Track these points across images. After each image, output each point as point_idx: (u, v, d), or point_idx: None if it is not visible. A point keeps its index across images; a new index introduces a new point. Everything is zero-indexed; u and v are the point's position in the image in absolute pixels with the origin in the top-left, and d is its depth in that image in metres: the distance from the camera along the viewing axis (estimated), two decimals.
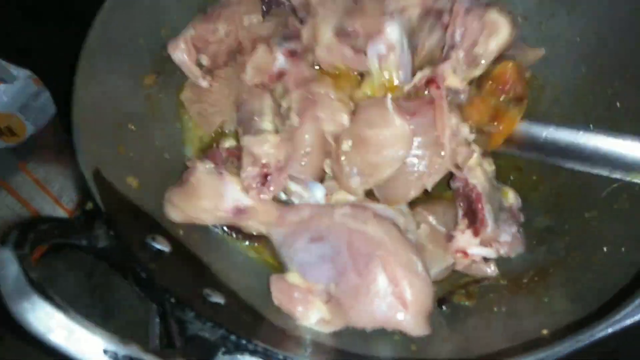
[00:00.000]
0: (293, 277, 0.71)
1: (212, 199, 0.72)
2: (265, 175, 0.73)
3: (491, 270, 0.77)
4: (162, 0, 0.87)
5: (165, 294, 0.57)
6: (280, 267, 0.78)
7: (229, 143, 0.78)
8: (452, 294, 0.74)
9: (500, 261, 0.79)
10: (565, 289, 0.68)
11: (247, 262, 0.78)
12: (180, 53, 0.82)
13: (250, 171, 0.72)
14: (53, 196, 1.36)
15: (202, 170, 0.72)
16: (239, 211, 0.73)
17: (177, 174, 0.84)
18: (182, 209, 0.72)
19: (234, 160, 0.76)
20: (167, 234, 0.70)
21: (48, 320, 0.43)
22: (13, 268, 0.45)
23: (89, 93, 0.72)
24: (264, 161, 0.72)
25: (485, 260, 0.77)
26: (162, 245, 0.65)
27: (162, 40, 0.88)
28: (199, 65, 0.86)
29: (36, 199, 1.33)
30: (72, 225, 0.60)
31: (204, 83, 0.85)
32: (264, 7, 0.86)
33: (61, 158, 1.34)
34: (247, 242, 0.80)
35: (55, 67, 1.26)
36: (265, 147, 0.73)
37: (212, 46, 0.84)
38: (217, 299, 0.63)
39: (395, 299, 0.65)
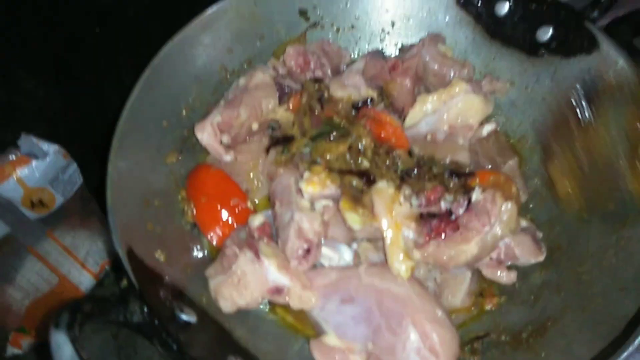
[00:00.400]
0: (331, 339, 0.77)
1: (258, 286, 0.79)
2: (308, 249, 0.80)
3: (511, 277, 0.85)
4: (183, 85, 0.97)
5: None
6: (302, 328, 0.84)
7: (258, 221, 0.85)
8: None
9: (501, 316, 0.85)
10: (561, 342, 0.73)
11: (266, 326, 0.84)
12: (207, 135, 0.91)
13: (296, 244, 0.79)
14: (80, 261, 1.44)
15: (245, 260, 0.78)
16: (278, 290, 0.80)
17: (197, 242, 0.91)
18: (233, 300, 0.78)
19: (265, 238, 0.83)
20: (192, 303, 0.77)
21: None
22: (67, 349, 0.51)
23: (121, 175, 0.81)
24: (310, 236, 0.80)
25: (508, 268, 0.85)
26: (189, 317, 0.72)
27: (183, 120, 0.98)
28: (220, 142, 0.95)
29: (64, 265, 1.41)
30: (111, 303, 0.66)
31: (228, 158, 0.93)
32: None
33: (86, 224, 1.43)
34: (268, 307, 0.87)
35: (81, 139, 1.38)
36: (315, 224, 0.80)
37: (234, 128, 0.93)
38: None
39: (429, 352, 0.73)
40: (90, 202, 1.40)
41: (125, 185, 0.81)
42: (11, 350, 1.44)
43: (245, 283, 0.78)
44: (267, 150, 0.96)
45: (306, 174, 0.84)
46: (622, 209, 0.82)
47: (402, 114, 1.01)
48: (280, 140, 0.96)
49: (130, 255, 0.72)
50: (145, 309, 0.66)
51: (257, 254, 0.79)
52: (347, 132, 0.88)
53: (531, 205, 0.97)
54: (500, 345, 0.79)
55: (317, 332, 0.81)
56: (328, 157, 0.86)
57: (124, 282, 0.70)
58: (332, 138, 0.89)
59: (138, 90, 0.88)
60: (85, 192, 1.36)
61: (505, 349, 0.78)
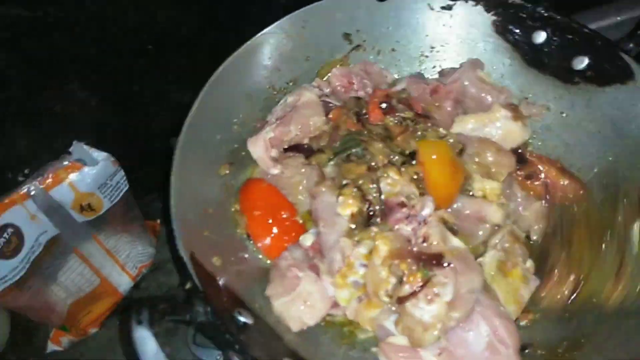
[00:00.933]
0: (400, 339, 0.82)
1: (323, 303, 0.85)
2: None
3: None
4: (235, 102, 1.04)
5: None
6: (351, 325, 0.89)
7: (309, 241, 0.90)
8: None
9: (537, 332, 0.88)
10: (598, 358, 0.77)
11: (312, 332, 0.87)
12: (259, 149, 0.98)
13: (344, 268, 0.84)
14: (120, 264, 1.50)
15: (309, 281, 0.84)
16: (336, 304, 0.85)
17: (248, 250, 0.97)
18: (301, 321, 0.84)
19: (318, 255, 0.88)
20: (247, 306, 0.82)
21: None
22: (151, 344, 0.57)
23: (181, 185, 0.86)
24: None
25: None
26: (246, 318, 0.77)
27: (234, 134, 1.04)
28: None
29: (106, 267, 1.46)
30: (179, 303, 0.72)
31: (275, 171, 0.99)
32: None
33: (128, 229, 1.49)
34: None
35: (126, 147, 1.44)
36: (362, 250, 0.84)
37: (284, 143, 1.00)
38: None
39: (499, 343, 0.79)
40: (134, 208, 1.46)
41: (185, 195, 0.87)
42: (51, 347, 1.50)
43: (312, 303, 0.84)
44: (285, 151, 1.02)
45: (340, 199, 0.89)
46: None
47: None
48: (294, 148, 1.02)
49: (192, 260, 0.78)
50: (209, 310, 0.72)
51: (318, 273, 0.84)
52: (364, 147, 0.93)
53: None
54: (536, 359, 0.83)
55: (380, 335, 0.85)
56: (353, 177, 0.91)
57: (188, 285, 0.75)
58: (352, 157, 0.95)
59: (197, 105, 0.94)
60: (130, 198, 1.42)
61: None
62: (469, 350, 0.79)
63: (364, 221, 0.86)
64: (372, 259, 0.81)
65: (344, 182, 0.90)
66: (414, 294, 0.78)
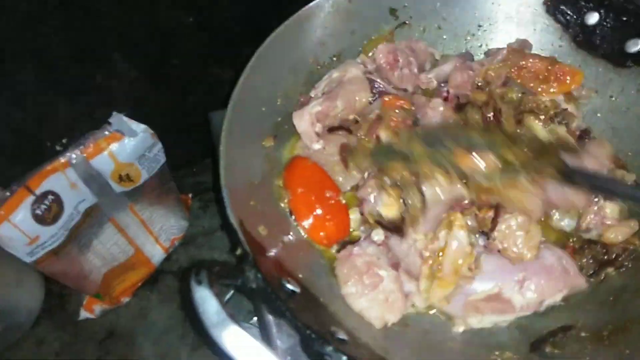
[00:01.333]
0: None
1: (402, 300, 0.87)
2: None
3: None
4: (280, 75, 1.03)
5: (305, 329, 0.69)
6: None
7: (380, 236, 0.90)
8: (543, 342, 0.82)
9: (579, 314, 0.87)
10: None
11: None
12: (305, 123, 0.97)
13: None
14: (154, 235, 1.52)
15: (391, 279, 0.86)
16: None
17: (290, 225, 0.97)
18: (384, 319, 0.85)
19: (388, 250, 0.89)
20: (292, 276, 0.82)
21: (244, 345, 0.55)
22: (213, 303, 0.57)
23: (230, 156, 0.86)
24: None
25: None
26: (293, 287, 0.78)
27: (278, 107, 1.04)
28: None
29: (140, 237, 1.49)
30: (232, 268, 0.73)
31: (318, 146, 0.99)
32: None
33: (163, 201, 1.51)
34: None
35: (163, 120, 1.45)
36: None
37: (329, 118, 0.99)
38: (342, 336, 0.74)
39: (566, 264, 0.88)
40: (169, 181, 1.48)
41: (233, 164, 0.87)
42: (84, 314, 1.54)
43: (394, 300, 0.84)
44: (329, 131, 1.01)
45: (385, 199, 0.88)
46: None
47: None
48: (338, 127, 1.01)
49: (242, 227, 0.78)
50: (260, 276, 0.72)
51: (398, 269, 0.86)
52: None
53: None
54: (580, 340, 0.82)
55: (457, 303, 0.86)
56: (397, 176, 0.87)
57: (239, 251, 0.76)
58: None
59: (245, 75, 0.94)
60: (166, 171, 1.44)
61: (585, 344, 0.81)
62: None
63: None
64: (456, 236, 0.83)
65: (389, 182, 0.87)
66: (496, 216, 0.85)
